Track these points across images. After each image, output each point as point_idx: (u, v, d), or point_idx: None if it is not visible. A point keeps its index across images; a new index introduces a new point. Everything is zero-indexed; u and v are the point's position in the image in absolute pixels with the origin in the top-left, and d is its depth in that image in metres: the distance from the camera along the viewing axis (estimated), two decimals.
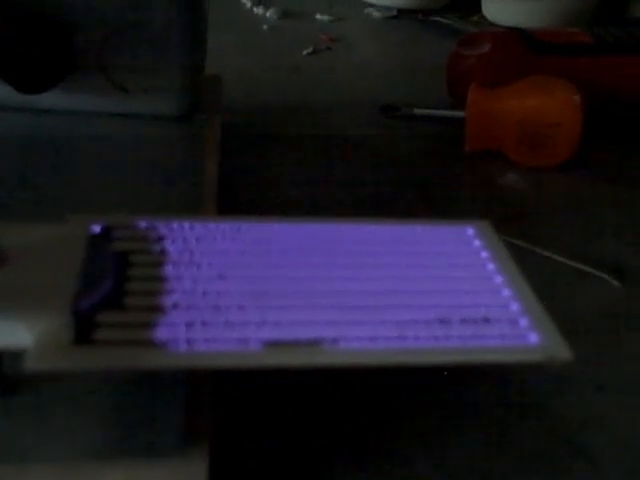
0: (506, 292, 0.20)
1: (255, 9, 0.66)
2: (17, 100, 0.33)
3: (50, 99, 0.33)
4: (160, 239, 0.21)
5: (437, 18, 0.64)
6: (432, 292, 0.20)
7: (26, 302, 0.17)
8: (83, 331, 0.17)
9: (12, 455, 0.17)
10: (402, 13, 0.66)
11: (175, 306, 0.18)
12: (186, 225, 0.21)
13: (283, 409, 0.23)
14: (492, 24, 0.63)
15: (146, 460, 0.17)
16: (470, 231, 0.23)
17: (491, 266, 0.21)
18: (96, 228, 0.21)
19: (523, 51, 0.44)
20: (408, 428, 0.23)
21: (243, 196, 0.35)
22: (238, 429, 0.22)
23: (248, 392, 0.23)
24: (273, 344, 0.17)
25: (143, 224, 0.21)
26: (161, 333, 0.17)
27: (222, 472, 0.20)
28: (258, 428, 0.22)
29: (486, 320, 0.19)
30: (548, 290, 0.29)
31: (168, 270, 0.19)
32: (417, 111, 0.42)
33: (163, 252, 0.20)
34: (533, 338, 0.18)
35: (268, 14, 0.65)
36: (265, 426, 0.22)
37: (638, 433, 0.23)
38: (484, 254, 0.21)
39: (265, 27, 0.62)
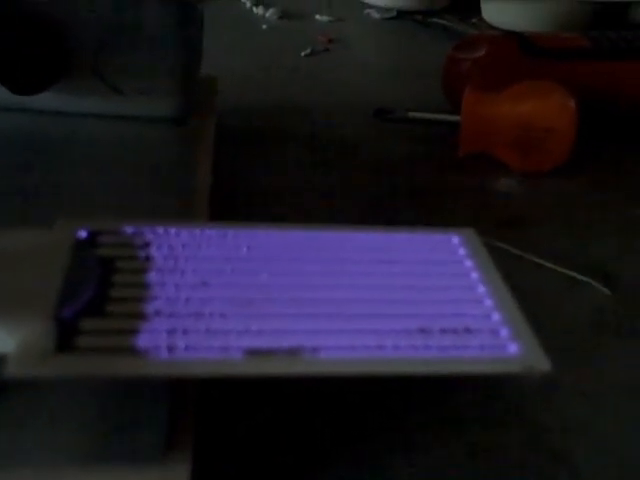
0: (488, 302, 0.20)
1: (255, 9, 0.66)
2: (11, 101, 0.33)
3: (44, 100, 0.33)
4: (146, 245, 0.21)
5: (436, 20, 0.64)
6: (414, 301, 0.20)
7: (8, 308, 0.18)
8: (65, 338, 0.17)
9: None
10: (401, 14, 0.66)
11: (157, 313, 0.18)
12: (172, 231, 0.22)
13: (267, 415, 0.23)
14: (491, 27, 0.63)
15: (128, 465, 0.18)
16: (455, 239, 0.23)
17: (474, 275, 0.21)
18: (82, 234, 0.21)
19: (519, 55, 0.44)
20: (389, 437, 0.23)
21: (235, 198, 0.35)
22: (221, 435, 0.22)
23: (232, 398, 0.23)
24: (253, 352, 0.17)
25: (130, 230, 0.21)
26: (142, 340, 0.17)
27: (204, 478, 0.20)
28: (241, 434, 0.22)
29: (467, 330, 0.19)
30: (536, 296, 0.29)
31: (152, 277, 0.20)
32: (411, 114, 0.42)
33: (148, 258, 0.20)
34: (513, 349, 0.18)
35: (268, 14, 0.65)
36: (248, 432, 0.23)
37: (622, 441, 0.23)
38: (468, 263, 0.22)
39: (264, 27, 0.62)
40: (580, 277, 0.31)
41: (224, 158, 0.36)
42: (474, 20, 0.65)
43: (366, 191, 0.37)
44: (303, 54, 0.56)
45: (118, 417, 0.18)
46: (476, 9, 0.65)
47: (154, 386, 0.19)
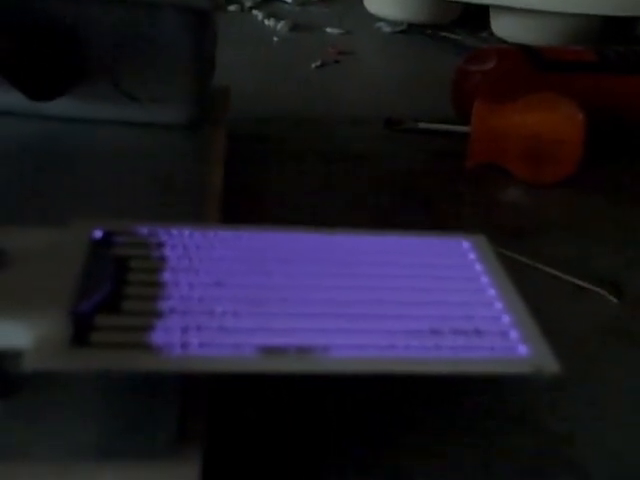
0: (498, 305, 0.20)
1: (266, 21, 0.67)
2: (28, 107, 0.33)
3: (59, 106, 0.34)
4: (160, 245, 0.21)
5: (445, 34, 0.65)
6: (425, 303, 0.20)
7: (26, 304, 0.18)
8: (81, 333, 0.17)
9: (4, 454, 0.18)
10: (411, 28, 0.67)
11: (171, 311, 0.19)
12: (186, 232, 0.22)
13: (279, 414, 0.23)
14: (500, 40, 0.64)
15: (139, 461, 0.18)
16: (465, 244, 0.23)
17: (485, 279, 0.21)
18: (97, 233, 0.21)
19: (528, 68, 0.44)
20: (405, 441, 0.23)
21: (244, 205, 0.35)
22: (232, 432, 0.22)
23: (243, 394, 0.23)
24: (266, 350, 0.18)
25: (144, 230, 0.22)
26: (157, 337, 0.18)
27: (215, 474, 0.20)
28: (252, 431, 0.23)
29: (477, 332, 0.19)
30: (545, 304, 0.29)
31: (166, 276, 0.20)
32: (421, 125, 0.43)
33: (162, 258, 0.21)
34: (522, 350, 0.19)
35: (279, 27, 0.65)
36: (260, 430, 0.23)
37: (630, 448, 0.24)
38: (478, 267, 0.22)
39: (276, 39, 0.63)
40: (588, 286, 0.31)
41: (236, 167, 0.36)
42: (483, 34, 0.66)
43: (376, 200, 0.37)
44: (314, 66, 0.56)
45: (130, 413, 0.19)
46: (485, 23, 0.66)
47: (166, 382, 0.19)
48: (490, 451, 0.23)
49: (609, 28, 0.62)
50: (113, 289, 0.19)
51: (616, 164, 0.43)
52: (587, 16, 0.59)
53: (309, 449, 0.22)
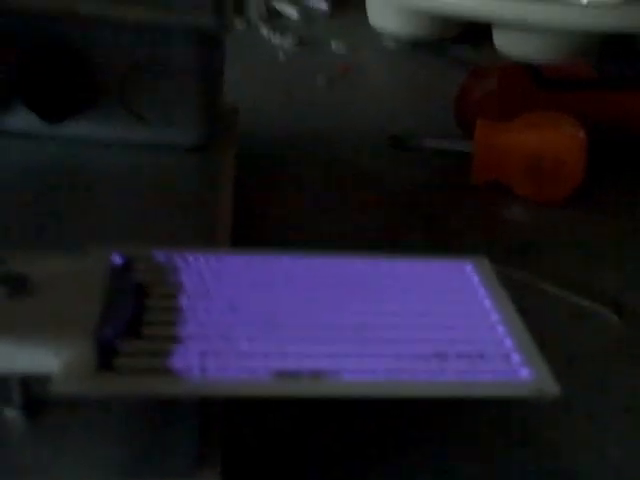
0: (501, 329, 0.21)
1: (271, 37, 0.68)
2: (39, 129, 0.34)
3: (71, 128, 0.34)
4: (176, 271, 0.22)
5: (450, 48, 0.66)
6: (429, 327, 0.21)
7: (52, 329, 0.19)
8: (105, 358, 0.18)
9: (32, 473, 0.18)
10: (416, 43, 0.68)
11: (189, 336, 0.19)
12: (201, 257, 0.23)
13: (293, 434, 0.24)
14: (502, 55, 0.64)
15: None
16: (468, 267, 0.24)
17: (487, 303, 0.22)
18: (117, 260, 0.22)
19: (529, 86, 0.45)
20: (412, 457, 0.24)
21: (246, 225, 0.36)
22: (249, 453, 0.23)
23: (260, 417, 0.24)
24: (280, 374, 0.19)
25: (161, 256, 0.23)
26: (176, 362, 0.19)
27: None
28: (268, 452, 0.24)
29: (480, 355, 0.20)
30: (547, 323, 0.30)
31: (183, 301, 0.21)
32: (424, 143, 0.44)
33: (179, 284, 0.22)
34: (524, 374, 0.19)
35: (284, 43, 0.66)
36: (275, 450, 0.24)
37: (631, 462, 0.24)
38: (481, 291, 0.23)
39: (281, 55, 0.64)
40: (590, 305, 0.32)
41: (244, 185, 0.37)
42: (486, 49, 0.67)
43: (381, 217, 0.38)
44: (319, 82, 0.57)
45: (151, 435, 0.19)
46: (488, 38, 0.67)
47: (186, 405, 0.20)
48: (495, 465, 0.24)
49: (609, 43, 0.63)
50: (134, 315, 0.20)
51: (618, 181, 0.44)
52: (588, 32, 0.60)
53: (324, 463, 0.23)
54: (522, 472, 0.24)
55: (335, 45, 0.66)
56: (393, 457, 0.24)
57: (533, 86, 0.45)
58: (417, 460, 0.24)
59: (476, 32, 0.69)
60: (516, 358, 0.20)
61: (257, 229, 0.36)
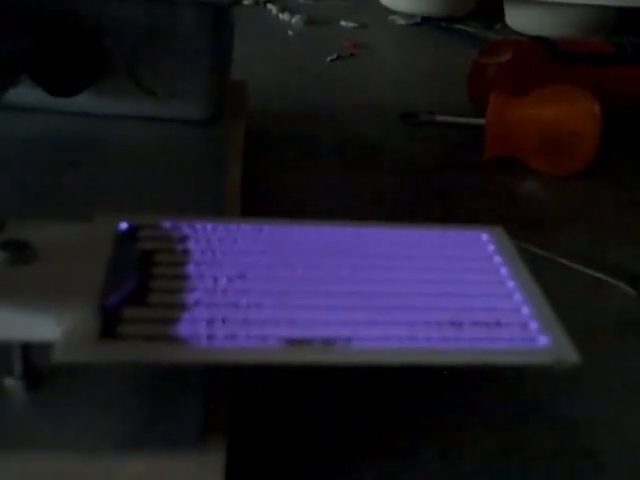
0: (517, 296, 0.20)
1: (281, 15, 0.67)
2: (48, 103, 0.34)
3: (80, 102, 0.34)
4: (184, 239, 0.21)
5: (460, 26, 0.65)
6: (445, 295, 0.20)
7: (55, 297, 0.18)
8: (109, 326, 0.18)
9: (34, 443, 0.18)
10: (425, 20, 0.67)
11: (197, 303, 0.19)
12: (209, 226, 0.22)
13: (300, 404, 0.24)
14: (515, 32, 0.63)
15: (165, 451, 0.18)
16: (484, 236, 0.23)
17: (504, 271, 0.21)
18: (123, 227, 0.21)
19: (544, 60, 0.44)
20: (424, 428, 0.23)
21: (260, 198, 0.35)
22: (255, 422, 0.23)
23: (266, 386, 0.24)
24: (289, 342, 0.18)
25: (168, 224, 0.22)
26: (183, 329, 0.18)
27: (239, 463, 0.20)
28: (275, 422, 0.23)
29: (497, 323, 0.19)
30: (563, 297, 0.29)
31: (191, 269, 0.20)
32: (437, 118, 0.43)
33: (186, 252, 0.21)
34: (542, 341, 0.19)
35: (294, 20, 0.65)
36: (282, 420, 0.23)
37: None
38: (497, 259, 0.22)
39: (291, 33, 0.63)
40: (606, 278, 0.31)
41: (254, 159, 0.37)
42: (497, 26, 0.66)
43: (393, 192, 0.37)
44: (329, 59, 0.56)
45: (157, 403, 0.19)
46: (500, 15, 0.66)
47: (192, 373, 0.19)
48: (507, 438, 0.23)
49: (624, 19, 0.62)
50: (139, 282, 0.19)
51: (632, 155, 0.43)
52: (602, 7, 0.59)
53: (331, 437, 0.23)
54: (536, 444, 0.23)
55: (344, 23, 0.65)
56: (399, 413, 0.23)
57: (547, 60, 0.44)
58: (431, 431, 0.23)
59: (487, 9, 0.68)
60: (534, 325, 0.19)
61: (265, 202, 0.35)
